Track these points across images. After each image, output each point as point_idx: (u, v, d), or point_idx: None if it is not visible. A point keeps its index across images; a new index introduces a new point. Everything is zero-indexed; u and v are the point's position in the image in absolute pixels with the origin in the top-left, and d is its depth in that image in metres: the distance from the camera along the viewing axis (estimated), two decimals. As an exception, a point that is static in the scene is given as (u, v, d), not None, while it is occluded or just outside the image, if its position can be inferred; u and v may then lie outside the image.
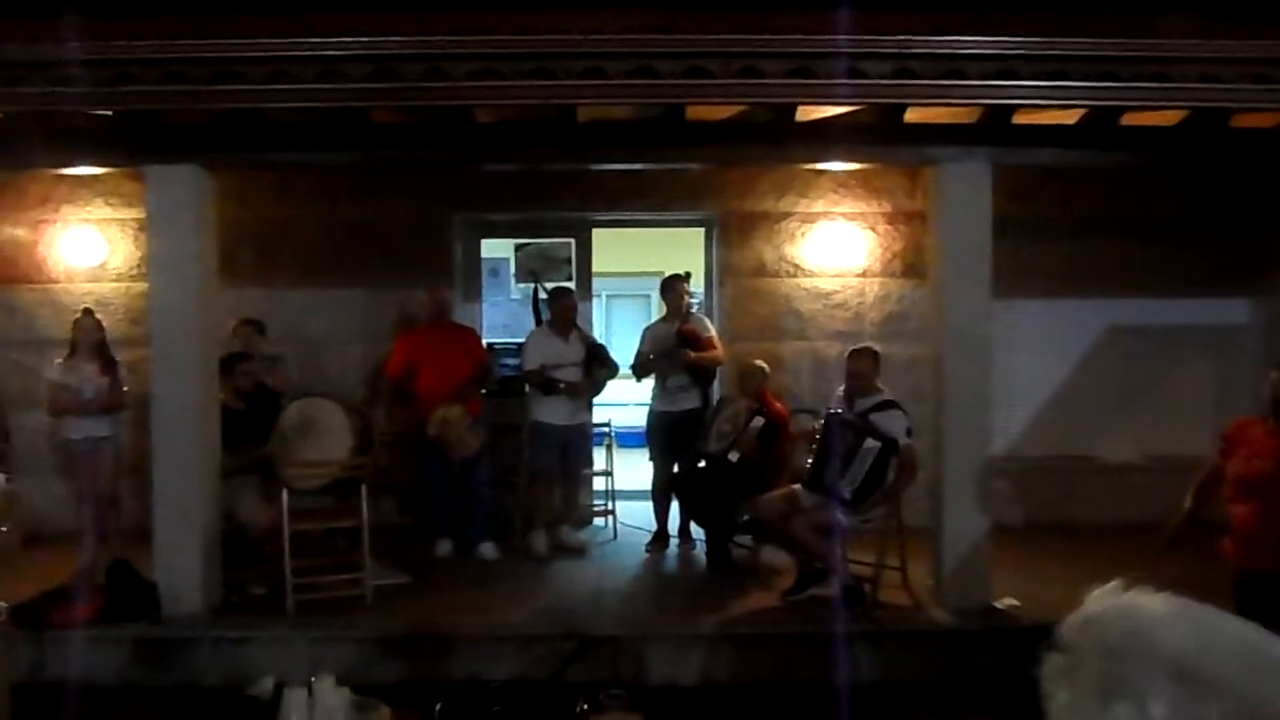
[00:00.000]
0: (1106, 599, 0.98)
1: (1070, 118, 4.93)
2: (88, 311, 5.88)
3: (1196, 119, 4.83)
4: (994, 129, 5.02)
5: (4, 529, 1.52)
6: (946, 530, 5.26)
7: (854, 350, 5.63)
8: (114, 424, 5.78)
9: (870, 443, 5.19)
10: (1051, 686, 0.96)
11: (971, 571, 5.22)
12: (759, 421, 6.02)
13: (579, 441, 6.67)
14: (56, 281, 7.06)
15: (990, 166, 5.18)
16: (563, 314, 6.50)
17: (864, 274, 7.18)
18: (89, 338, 5.73)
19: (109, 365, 5.74)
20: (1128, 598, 0.97)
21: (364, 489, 5.43)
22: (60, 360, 5.74)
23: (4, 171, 6.60)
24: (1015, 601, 5.19)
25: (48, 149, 5.12)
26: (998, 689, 4.74)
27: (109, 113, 4.88)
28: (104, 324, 5.87)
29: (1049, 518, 6.82)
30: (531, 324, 6.87)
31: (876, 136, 5.14)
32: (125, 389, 5.79)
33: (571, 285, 6.96)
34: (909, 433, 5.27)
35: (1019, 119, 4.95)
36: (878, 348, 5.75)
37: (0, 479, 1.62)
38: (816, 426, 5.86)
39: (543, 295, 6.85)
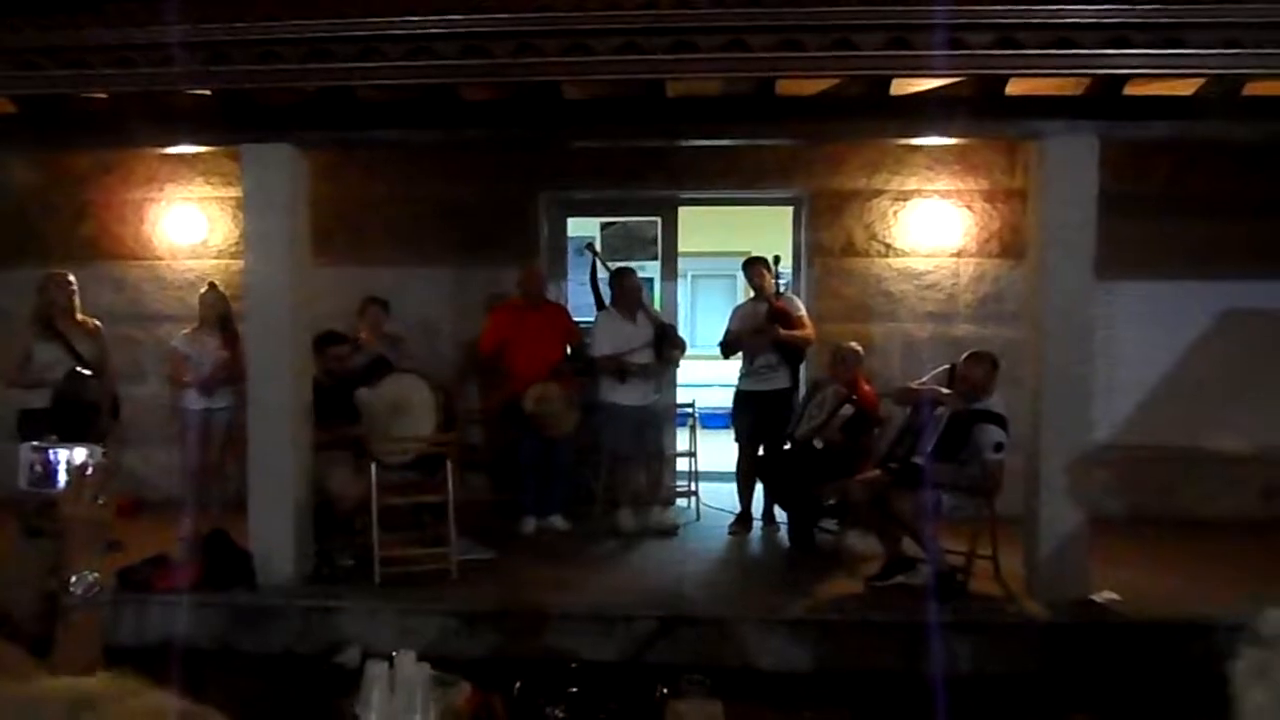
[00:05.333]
0: None
1: (1187, 88, 4.66)
2: (211, 286, 6.06)
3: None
4: (1103, 101, 4.79)
5: (101, 500, 1.56)
6: (1042, 520, 5.07)
7: (973, 354, 5.31)
8: (231, 396, 5.85)
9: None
10: (1245, 684, 0.86)
11: (1067, 563, 5.03)
12: (848, 410, 5.87)
13: (653, 421, 6.61)
14: (161, 258, 7.32)
15: (1097, 141, 4.93)
16: (629, 296, 6.43)
17: (958, 254, 6.96)
18: (211, 312, 5.89)
19: (231, 339, 5.85)
20: None
21: (450, 465, 5.49)
22: (186, 331, 5.92)
23: (112, 151, 6.87)
24: (1115, 595, 4.99)
25: (152, 129, 5.30)
26: (1096, 684, 4.57)
27: (208, 93, 5.01)
28: (227, 298, 5.96)
29: (1154, 510, 6.53)
30: (593, 303, 6.77)
31: (976, 110, 4.95)
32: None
33: (632, 266, 6.80)
34: (999, 448, 5.04)
35: (1131, 90, 4.71)
36: (999, 357, 5.32)
37: (97, 451, 1.66)
38: (889, 412, 5.73)
39: (602, 274, 6.72)
